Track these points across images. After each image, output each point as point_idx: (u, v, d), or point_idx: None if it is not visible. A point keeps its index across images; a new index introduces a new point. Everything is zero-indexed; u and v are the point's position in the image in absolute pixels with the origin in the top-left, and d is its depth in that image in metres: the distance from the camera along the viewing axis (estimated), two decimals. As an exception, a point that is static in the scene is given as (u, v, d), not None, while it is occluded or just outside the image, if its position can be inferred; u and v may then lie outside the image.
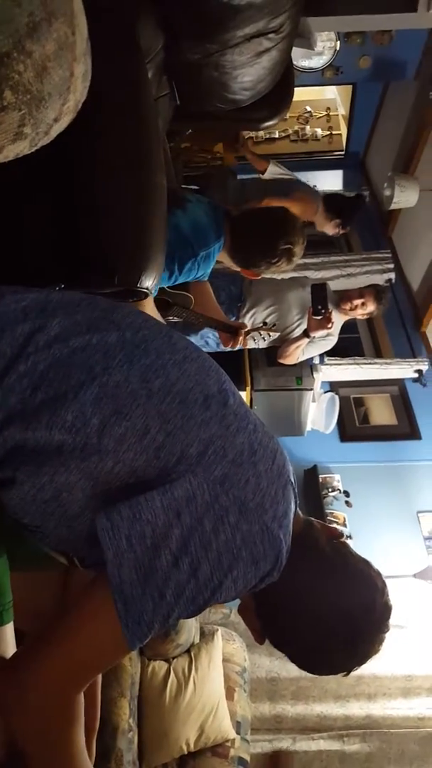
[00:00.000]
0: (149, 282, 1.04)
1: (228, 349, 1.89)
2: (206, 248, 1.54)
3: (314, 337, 2.21)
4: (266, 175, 2.85)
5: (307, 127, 4.69)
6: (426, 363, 3.09)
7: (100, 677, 0.72)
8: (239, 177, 3.37)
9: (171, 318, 1.62)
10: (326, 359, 2.93)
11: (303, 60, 3.35)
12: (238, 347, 1.87)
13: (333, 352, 2.78)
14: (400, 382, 3.16)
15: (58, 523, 0.58)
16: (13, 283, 0.68)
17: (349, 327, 2.67)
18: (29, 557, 0.71)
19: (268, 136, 4.61)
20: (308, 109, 4.71)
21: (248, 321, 2.27)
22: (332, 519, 2.72)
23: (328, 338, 2.32)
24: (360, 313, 2.36)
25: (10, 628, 0.65)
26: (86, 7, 0.73)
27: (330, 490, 2.81)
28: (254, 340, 2.06)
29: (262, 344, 2.24)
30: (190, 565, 0.54)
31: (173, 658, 2.02)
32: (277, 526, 0.60)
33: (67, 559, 0.65)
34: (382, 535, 2.63)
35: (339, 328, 2.37)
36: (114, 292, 0.99)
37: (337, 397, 2.93)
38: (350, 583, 0.65)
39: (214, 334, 2.09)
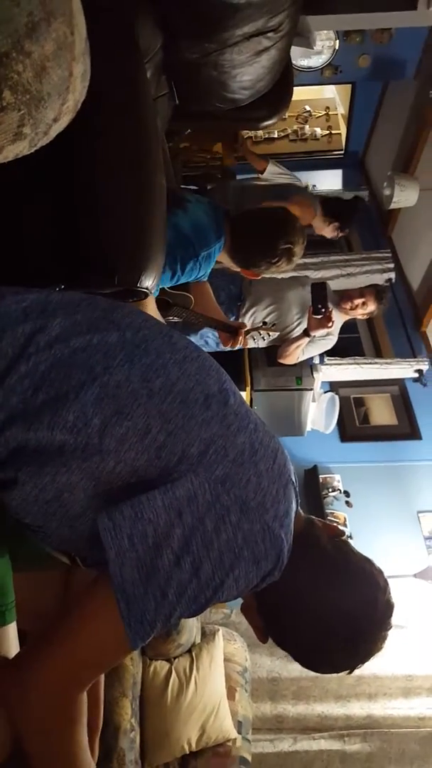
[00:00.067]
0: (149, 282, 1.04)
1: (228, 348, 1.89)
2: (207, 248, 1.54)
3: (314, 337, 2.21)
4: (265, 175, 2.85)
5: (307, 127, 4.69)
6: (426, 363, 3.09)
7: (102, 677, 0.72)
8: (238, 177, 3.37)
9: (171, 318, 1.62)
10: (326, 359, 2.93)
11: (302, 59, 3.35)
12: (238, 347, 1.87)
13: (333, 352, 2.78)
14: (400, 382, 3.16)
15: (60, 523, 0.59)
16: (13, 284, 0.68)
17: (349, 327, 2.67)
18: (31, 557, 0.71)
19: (267, 136, 4.61)
20: (307, 108, 4.71)
21: (248, 320, 2.27)
22: (333, 519, 2.72)
23: (328, 338, 2.32)
24: (360, 313, 2.36)
25: (12, 628, 0.65)
26: (85, 7, 0.73)
27: (330, 490, 2.81)
28: (254, 339, 2.06)
29: (262, 344, 2.24)
30: (192, 565, 0.55)
31: (175, 658, 2.02)
32: (279, 525, 0.60)
33: (69, 558, 0.65)
34: (382, 535, 2.63)
35: (339, 327, 2.37)
36: (114, 292, 0.99)
37: (337, 397, 2.93)
38: (352, 581, 0.65)
39: (213, 334, 2.09)
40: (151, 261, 1.04)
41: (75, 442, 0.56)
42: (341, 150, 4.59)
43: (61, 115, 0.71)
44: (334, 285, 2.95)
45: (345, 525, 2.70)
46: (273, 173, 2.84)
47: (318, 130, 4.67)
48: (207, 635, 2.15)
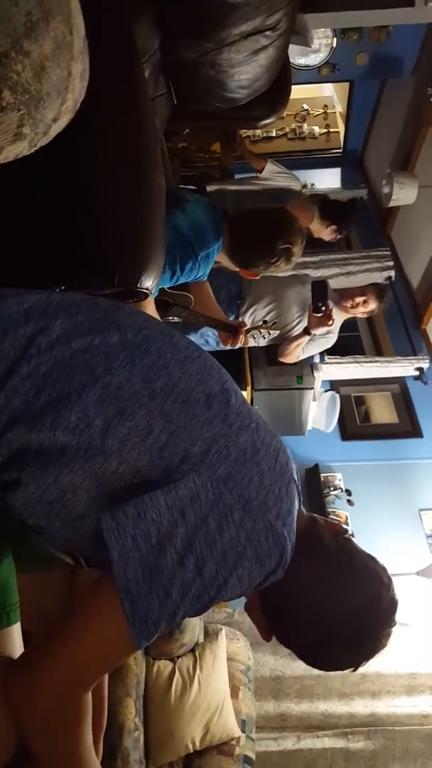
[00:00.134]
0: (149, 282, 1.04)
1: (228, 347, 1.89)
2: (206, 248, 1.54)
3: (314, 335, 2.21)
4: (264, 174, 2.85)
5: (305, 125, 4.69)
6: (427, 360, 3.08)
7: (107, 676, 0.72)
8: (237, 176, 3.37)
9: (171, 318, 1.62)
10: (327, 358, 2.93)
11: (300, 57, 3.35)
12: (238, 346, 1.87)
13: (333, 351, 2.78)
14: (400, 380, 3.16)
15: (63, 524, 0.59)
16: (13, 285, 0.68)
17: (349, 325, 2.67)
18: (35, 558, 0.71)
19: (265, 135, 4.61)
20: (305, 106, 4.71)
21: (248, 319, 2.27)
22: (334, 518, 2.72)
23: (328, 336, 2.32)
24: (362, 311, 2.36)
25: (17, 629, 0.65)
26: (83, 6, 0.73)
27: (332, 488, 2.81)
28: (254, 338, 2.06)
29: (263, 342, 2.24)
30: (195, 564, 0.55)
31: (178, 658, 2.02)
32: (281, 524, 0.60)
33: (72, 559, 0.65)
34: (384, 533, 2.63)
35: (339, 326, 2.37)
36: (114, 293, 0.99)
37: (337, 395, 2.93)
38: (356, 578, 0.65)
39: (214, 333, 2.09)
40: (151, 261, 1.04)
41: (77, 443, 0.56)
42: (339, 148, 4.58)
43: (61, 115, 0.71)
44: (333, 283, 2.95)
45: (347, 523, 2.70)
46: (271, 172, 2.85)
47: (316, 129, 4.67)
48: (210, 634, 2.15)
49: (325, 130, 4.69)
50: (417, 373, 3.09)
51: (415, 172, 3.29)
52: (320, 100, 4.82)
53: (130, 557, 0.53)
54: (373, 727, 2.27)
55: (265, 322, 2.13)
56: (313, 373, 2.83)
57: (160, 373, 0.62)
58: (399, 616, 0.66)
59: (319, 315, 2.09)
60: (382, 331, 3.40)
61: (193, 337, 2.15)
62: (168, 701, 1.89)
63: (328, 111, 4.77)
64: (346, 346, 3.07)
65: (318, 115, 4.75)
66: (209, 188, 2.85)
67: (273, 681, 2.35)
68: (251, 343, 2.14)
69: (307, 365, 2.79)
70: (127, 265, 1.01)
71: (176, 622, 0.57)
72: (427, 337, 3.32)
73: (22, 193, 0.96)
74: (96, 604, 0.57)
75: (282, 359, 2.32)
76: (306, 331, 2.18)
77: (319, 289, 2.10)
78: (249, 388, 2.69)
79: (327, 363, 2.95)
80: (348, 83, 3.96)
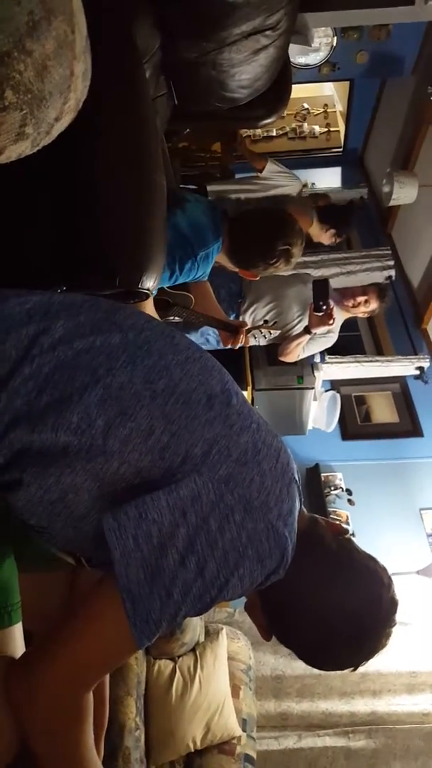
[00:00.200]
0: (150, 283, 1.04)
1: (229, 347, 1.89)
2: (205, 248, 1.54)
3: (315, 334, 2.21)
4: (264, 174, 2.85)
5: (305, 125, 4.69)
6: (427, 360, 3.08)
7: (108, 676, 0.72)
8: (237, 176, 3.37)
9: (172, 318, 1.62)
10: (327, 358, 2.93)
11: (300, 57, 3.35)
12: (239, 345, 1.87)
13: (334, 351, 2.78)
14: (401, 380, 3.16)
15: (65, 524, 0.59)
16: (14, 285, 0.69)
17: (349, 325, 2.67)
18: (36, 558, 0.71)
19: (265, 134, 4.61)
20: (305, 106, 4.70)
21: (249, 318, 2.27)
22: (335, 517, 2.72)
23: (328, 335, 2.32)
24: (363, 311, 2.36)
25: (18, 629, 0.65)
26: (84, 6, 0.72)
27: (332, 488, 2.81)
28: (255, 337, 2.07)
29: (263, 342, 2.24)
30: (196, 564, 0.55)
31: (179, 657, 2.02)
32: (282, 524, 0.60)
33: (74, 559, 0.65)
34: (385, 532, 2.63)
35: (339, 325, 2.36)
36: (115, 293, 0.99)
37: (338, 395, 2.93)
38: (356, 579, 0.65)
39: (214, 332, 2.09)
40: (151, 262, 1.04)
41: (79, 444, 0.56)
42: (340, 147, 4.58)
43: (63, 115, 0.71)
44: (334, 283, 2.94)
45: (347, 523, 2.70)
46: (272, 172, 2.84)
47: (316, 128, 4.66)
48: (211, 634, 2.15)
49: (326, 130, 4.68)
50: (417, 372, 3.09)
51: (416, 171, 3.29)
52: (320, 99, 4.82)
53: (132, 557, 0.53)
54: (374, 725, 2.27)
55: (265, 321, 2.12)
56: (313, 372, 2.82)
57: (161, 373, 0.62)
58: (400, 615, 0.66)
59: (320, 314, 2.09)
60: (383, 331, 3.40)
61: (194, 336, 2.15)
62: (169, 700, 1.89)
63: (328, 110, 4.76)
64: (347, 345, 3.07)
65: (318, 114, 4.75)
66: (210, 188, 2.85)
67: (274, 680, 2.35)
68: (252, 342, 2.14)
69: (308, 365, 2.79)
70: (128, 266, 1.01)
71: (177, 622, 0.57)
72: (427, 336, 3.32)
73: (24, 193, 0.96)
74: (97, 604, 0.57)
75: (282, 358, 2.32)
76: (306, 330, 2.18)
77: (321, 287, 2.10)
78: (249, 388, 2.69)
79: (328, 363, 2.95)
80: (348, 82, 3.96)
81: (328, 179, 4.46)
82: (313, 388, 2.78)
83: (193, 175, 3.61)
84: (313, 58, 3.44)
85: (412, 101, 3.49)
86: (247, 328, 1.84)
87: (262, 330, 2.01)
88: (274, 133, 4.62)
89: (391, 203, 3.18)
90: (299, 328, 2.25)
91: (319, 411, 2.91)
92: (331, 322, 2.11)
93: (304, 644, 0.68)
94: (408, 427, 3.03)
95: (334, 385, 3.12)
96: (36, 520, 0.59)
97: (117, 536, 0.54)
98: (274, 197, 2.74)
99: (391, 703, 2.33)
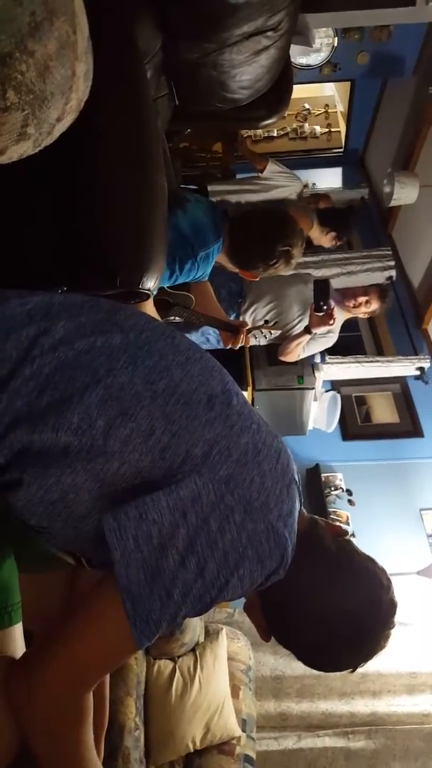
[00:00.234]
0: (151, 283, 1.04)
1: (229, 347, 1.89)
2: (205, 249, 1.54)
3: (315, 334, 2.21)
4: (265, 174, 2.85)
5: (306, 125, 4.69)
6: (428, 360, 3.08)
7: (108, 676, 0.72)
8: (238, 176, 3.37)
9: (172, 318, 1.62)
10: (328, 358, 2.93)
11: (301, 57, 3.35)
12: (239, 346, 1.87)
13: (334, 351, 2.78)
14: (401, 380, 3.16)
15: (65, 524, 0.59)
16: (15, 286, 0.69)
17: (350, 325, 2.67)
18: (36, 558, 0.71)
19: (266, 135, 4.61)
20: (306, 106, 4.70)
21: (249, 317, 2.27)
22: (335, 518, 2.72)
23: (328, 335, 2.32)
24: (363, 311, 2.36)
25: (18, 629, 0.65)
26: (85, 7, 0.73)
27: (333, 488, 2.81)
28: (255, 337, 2.07)
29: (263, 342, 2.24)
30: (197, 565, 0.55)
31: (178, 657, 2.02)
32: (282, 524, 0.60)
33: (74, 559, 0.65)
34: (385, 533, 2.63)
35: (340, 325, 2.37)
36: (115, 294, 0.99)
37: (338, 395, 2.93)
38: (355, 580, 0.65)
39: (215, 331, 2.09)
40: (152, 262, 1.04)
41: (79, 444, 0.56)
42: (341, 148, 4.58)
43: (65, 115, 0.71)
44: (334, 283, 2.95)
45: (347, 523, 2.70)
46: (273, 172, 2.85)
47: (317, 128, 4.66)
48: (210, 634, 2.15)
49: (327, 130, 4.68)
50: (418, 372, 3.09)
51: (416, 172, 3.29)
52: (321, 100, 4.82)
53: (132, 558, 0.53)
54: (373, 726, 2.27)
55: (266, 321, 2.12)
56: (314, 373, 2.82)
57: (162, 374, 0.62)
58: (399, 615, 0.66)
59: (321, 314, 2.09)
60: (383, 331, 3.39)
61: (194, 336, 2.15)
62: (168, 701, 1.89)
63: (329, 110, 4.76)
64: (347, 345, 3.07)
65: (319, 114, 4.75)
66: (211, 189, 2.85)
67: (273, 680, 2.35)
68: (252, 342, 2.14)
69: (308, 365, 2.79)
70: (129, 266, 1.01)
71: (177, 622, 0.57)
72: (428, 336, 3.32)
73: (26, 193, 0.97)
74: (97, 604, 0.57)
75: (282, 358, 2.32)
76: (307, 330, 2.18)
77: (322, 287, 2.10)
78: (250, 388, 2.69)
79: (328, 363, 2.95)
80: (349, 83, 3.96)
81: (329, 179, 4.46)
82: (313, 388, 2.78)
83: (194, 175, 3.61)
84: (314, 58, 3.44)
85: (412, 102, 3.49)
86: (247, 328, 1.84)
87: (263, 330, 2.01)
88: (275, 134, 4.62)
89: (392, 204, 3.18)
90: (300, 328, 2.25)
91: (320, 411, 2.91)
92: (331, 322, 2.11)
93: (304, 645, 0.68)
94: (408, 427, 3.03)
95: (335, 385, 3.12)
96: (36, 520, 0.59)
97: (117, 537, 0.54)
98: (276, 200, 2.75)
99: (391, 703, 2.33)
